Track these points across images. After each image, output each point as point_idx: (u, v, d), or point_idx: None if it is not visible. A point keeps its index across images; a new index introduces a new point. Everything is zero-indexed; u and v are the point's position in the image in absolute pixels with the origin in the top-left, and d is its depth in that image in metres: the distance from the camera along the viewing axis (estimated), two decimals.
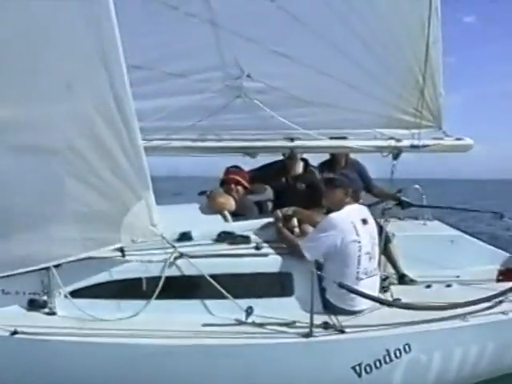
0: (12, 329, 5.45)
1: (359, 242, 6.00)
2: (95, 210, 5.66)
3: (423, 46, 7.10)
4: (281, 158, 7.86)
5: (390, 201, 7.79)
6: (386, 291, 6.51)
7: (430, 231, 8.00)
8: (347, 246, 5.96)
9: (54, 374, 5.57)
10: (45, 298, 5.88)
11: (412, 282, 7.16)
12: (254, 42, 6.85)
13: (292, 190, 7.40)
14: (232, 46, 6.90)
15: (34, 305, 5.89)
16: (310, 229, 6.43)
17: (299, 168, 7.78)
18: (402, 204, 7.80)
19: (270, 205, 7.41)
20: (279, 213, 6.44)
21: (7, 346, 5.49)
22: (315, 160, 8.09)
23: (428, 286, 6.97)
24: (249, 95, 7.01)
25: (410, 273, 7.26)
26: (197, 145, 7.14)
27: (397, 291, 6.54)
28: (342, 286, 5.80)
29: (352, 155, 8.08)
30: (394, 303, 6.08)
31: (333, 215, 6.06)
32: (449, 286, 7.00)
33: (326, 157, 8.29)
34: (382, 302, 6.02)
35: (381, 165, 7.78)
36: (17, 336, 5.44)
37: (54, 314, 5.85)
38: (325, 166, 8.14)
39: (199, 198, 7.21)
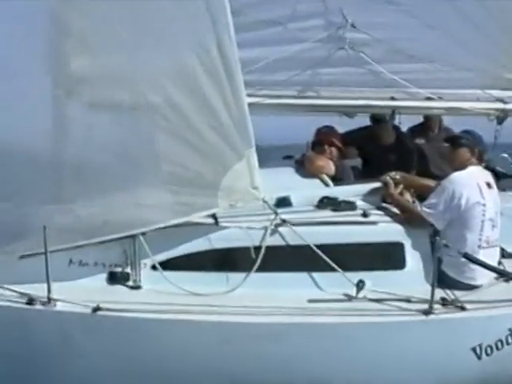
0: (93, 305, 4.93)
1: (484, 205, 5.53)
2: (191, 171, 5.18)
3: None
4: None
5: None
6: (498, 265, 5.93)
7: None
8: (471, 207, 5.49)
9: (140, 355, 5.09)
10: (128, 269, 5.35)
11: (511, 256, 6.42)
12: None
13: (382, 161, 6.76)
14: None
15: (115, 278, 5.38)
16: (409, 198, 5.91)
17: (391, 136, 7.18)
18: (497, 175, 7.07)
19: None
20: (389, 178, 5.81)
21: (89, 324, 4.99)
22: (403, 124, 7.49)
23: None
24: (353, 47, 6.43)
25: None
26: (294, 102, 6.61)
27: (508, 265, 5.96)
28: (467, 257, 5.31)
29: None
30: None
31: (456, 174, 5.62)
32: None
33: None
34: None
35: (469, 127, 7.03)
36: (99, 313, 4.94)
37: (138, 287, 5.35)
38: (415, 131, 7.61)
39: (284, 162, 6.77)
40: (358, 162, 6.75)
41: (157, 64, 4.98)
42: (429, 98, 6.72)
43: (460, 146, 5.80)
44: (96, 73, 5.00)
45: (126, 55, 4.98)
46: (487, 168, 6.95)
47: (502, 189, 7.41)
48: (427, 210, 5.50)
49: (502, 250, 6.27)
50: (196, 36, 4.99)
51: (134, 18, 4.94)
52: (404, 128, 7.56)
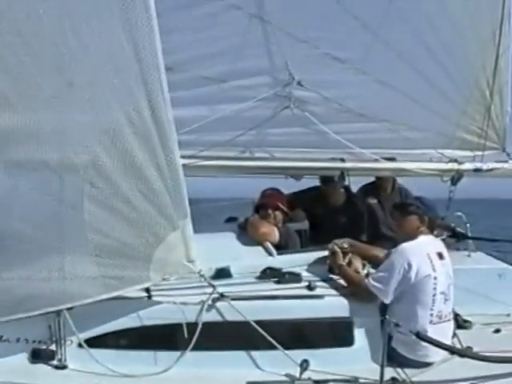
0: None
1: (435, 278, 5.23)
2: (120, 243, 4.73)
3: (493, 57, 6.43)
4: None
5: (443, 232, 6.96)
6: (452, 337, 5.62)
7: (476, 264, 7.09)
8: (422, 281, 5.19)
9: None
10: (53, 347, 4.91)
11: (466, 322, 6.23)
12: (306, 43, 6.06)
13: (331, 224, 6.45)
14: (281, 46, 6.09)
15: (39, 356, 4.92)
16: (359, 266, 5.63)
17: (340, 197, 6.85)
18: (457, 235, 7.09)
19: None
20: (335, 246, 5.51)
21: None
22: (353, 184, 7.20)
23: (497, 331, 6.09)
24: (298, 106, 6.13)
25: (459, 311, 6.27)
26: (237, 164, 6.28)
27: (463, 338, 5.68)
28: (419, 336, 4.95)
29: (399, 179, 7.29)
30: (483, 357, 5.13)
31: (405, 245, 5.30)
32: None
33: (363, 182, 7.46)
34: (469, 356, 5.12)
35: (421, 186, 7.11)
36: None
37: (64, 367, 4.89)
38: (368, 191, 7.31)
39: (226, 225, 6.43)
40: (305, 225, 6.40)
41: (83, 122, 4.59)
42: (377, 160, 6.45)
43: (409, 214, 5.51)
44: (18, 131, 4.58)
45: (51, 112, 4.57)
46: (448, 228, 6.75)
47: (455, 248, 7.27)
48: (375, 284, 5.18)
49: (456, 315, 6.01)
50: (126, 94, 4.58)
51: (59, 73, 4.55)
52: (356, 187, 7.27)
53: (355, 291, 5.31)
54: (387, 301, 5.17)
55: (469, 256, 7.26)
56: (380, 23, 6.15)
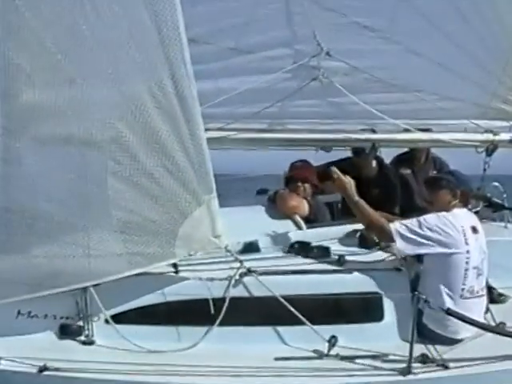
0: (40, 363, 4.52)
1: (468, 251, 5.06)
2: (145, 219, 4.73)
3: None
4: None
5: (478, 202, 6.86)
6: (485, 312, 5.46)
7: None
8: (453, 255, 5.04)
9: None
10: (80, 323, 4.97)
11: (501, 296, 6.05)
12: (334, 11, 5.86)
13: (364, 195, 6.25)
14: (308, 16, 5.91)
15: (66, 331, 4.98)
16: None
17: (372, 169, 6.79)
18: (493, 206, 6.90)
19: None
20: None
21: None
22: (389, 154, 7.13)
23: None
24: (328, 76, 5.98)
25: (493, 284, 6.09)
26: (265, 136, 6.16)
27: (496, 312, 5.51)
28: (449, 313, 4.84)
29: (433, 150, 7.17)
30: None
31: (442, 213, 5.12)
32: None
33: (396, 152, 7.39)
34: (500, 333, 4.99)
35: (460, 158, 7.00)
36: (46, 373, 4.51)
37: (91, 343, 4.95)
38: (401, 162, 7.25)
39: (258, 198, 6.34)
40: (336, 197, 6.29)
41: (105, 98, 4.58)
42: (407, 130, 6.31)
43: (440, 189, 5.37)
44: (41, 108, 4.60)
45: (73, 89, 4.56)
46: (485, 198, 6.61)
47: (491, 219, 7.13)
48: (399, 229, 5.00)
49: (491, 288, 5.85)
50: (148, 69, 4.55)
51: (80, 49, 4.52)
52: (390, 157, 7.18)
53: (368, 224, 5.23)
54: (403, 248, 5.02)
55: (505, 227, 7.08)
56: None
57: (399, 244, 5.01)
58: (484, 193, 6.93)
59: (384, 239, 5.20)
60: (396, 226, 5.03)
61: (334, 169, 5.45)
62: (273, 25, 6.04)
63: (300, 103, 6.17)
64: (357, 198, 5.28)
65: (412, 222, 5.07)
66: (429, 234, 5.01)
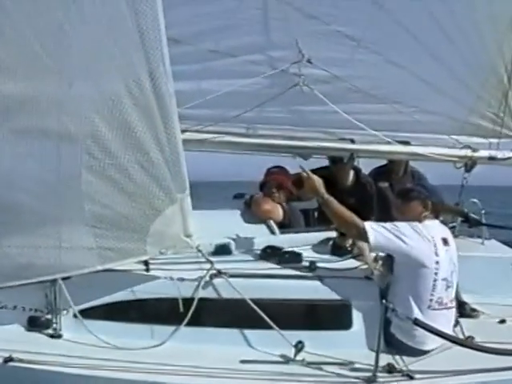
0: (6, 354, 4.52)
1: (437, 262, 5.06)
2: (117, 214, 4.74)
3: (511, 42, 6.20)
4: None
5: (455, 217, 6.98)
6: (455, 325, 5.44)
7: (489, 252, 6.98)
8: (422, 265, 5.02)
9: None
10: (48, 316, 4.95)
11: (473, 311, 6.07)
12: (316, 19, 5.91)
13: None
14: (291, 22, 5.96)
15: (35, 324, 4.98)
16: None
17: (350, 178, 6.79)
18: (470, 221, 6.95)
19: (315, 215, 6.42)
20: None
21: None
22: (365, 167, 7.17)
23: (502, 321, 5.86)
24: (308, 84, 6.00)
25: (466, 299, 6.14)
26: (242, 140, 6.19)
27: (467, 327, 5.48)
28: (417, 323, 4.81)
29: (412, 163, 7.18)
30: (481, 347, 4.95)
31: (413, 223, 5.14)
32: None
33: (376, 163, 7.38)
34: (466, 346, 4.96)
35: (435, 172, 7.14)
36: (11, 364, 4.50)
37: (59, 336, 4.94)
38: (379, 174, 7.24)
39: (234, 203, 6.33)
40: (312, 204, 6.28)
41: (82, 92, 4.59)
42: (389, 143, 6.34)
43: (411, 200, 5.38)
44: (17, 100, 4.64)
45: (49, 81, 4.59)
46: (461, 214, 6.64)
47: (469, 235, 7.17)
48: (371, 224, 5.02)
49: (463, 303, 5.92)
50: (126, 65, 4.57)
51: (58, 41, 4.56)
52: (367, 169, 7.20)
53: (339, 222, 5.19)
54: (373, 240, 5.00)
55: (482, 244, 7.18)
56: (394, 2, 6.00)
57: (372, 238, 4.99)
58: (461, 208, 6.95)
59: (356, 235, 5.17)
60: (369, 223, 5.05)
61: (304, 168, 5.46)
62: (253, 30, 6.09)
63: (279, 109, 6.22)
64: (327, 195, 5.23)
65: (385, 223, 5.10)
66: (400, 233, 5.02)
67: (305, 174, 5.34)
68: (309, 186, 5.31)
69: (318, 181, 5.27)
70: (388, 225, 5.07)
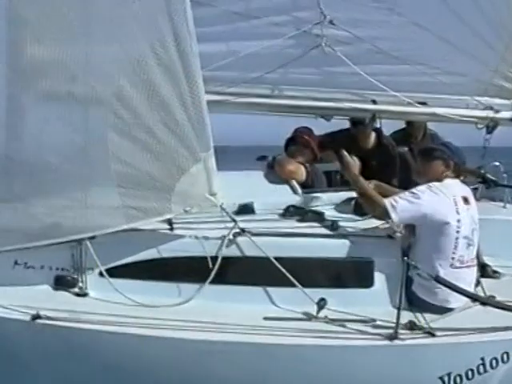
0: (34, 312, 4.63)
1: (458, 221, 5.08)
2: (142, 173, 4.81)
3: None
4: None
5: (474, 179, 6.83)
6: (476, 285, 5.49)
7: (510, 215, 6.81)
8: (444, 223, 5.05)
9: (81, 367, 4.74)
10: (75, 275, 5.04)
11: (495, 273, 6.08)
12: None
13: (362, 166, 6.28)
14: None
15: (61, 283, 5.08)
16: None
17: (371, 141, 6.77)
18: (487, 182, 6.85)
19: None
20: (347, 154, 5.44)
21: (27, 332, 4.67)
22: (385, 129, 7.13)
23: None
24: (330, 45, 5.94)
25: (489, 262, 6.13)
26: (264, 101, 6.17)
27: (488, 286, 5.52)
28: (438, 280, 4.87)
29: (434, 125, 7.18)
30: (503, 305, 5.02)
31: (434, 183, 5.17)
32: None
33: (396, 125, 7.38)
34: (488, 304, 5.05)
35: (458, 134, 6.92)
36: (39, 321, 4.61)
37: (85, 295, 5.05)
38: (397, 139, 7.16)
39: (257, 164, 6.34)
40: (334, 166, 6.25)
41: (107, 54, 4.67)
42: (409, 104, 6.30)
43: (433, 159, 5.39)
44: (46, 63, 4.70)
45: (76, 44, 4.66)
46: (478, 175, 6.61)
47: (490, 198, 7.13)
48: (390, 201, 5.04)
49: (485, 265, 5.91)
50: (150, 26, 4.63)
51: (85, 6, 4.63)
52: (387, 129, 7.21)
53: (366, 201, 5.24)
54: (397, 219, 5.04)
55: (504, 207, 7.06)
56: None
57: (394, 216, 5.03)
58: (479, 169, 6.92)
59: (381, 215, 5.18)
60: (389, 201, 5.06)
61: (344, 153, 5.48)
62: None
63: (301, 70, 6.14)
64: (357, 175, 5.38)
65: (404, 194, 5.12)
66: (422, 200, 5.04)
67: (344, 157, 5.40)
68: (346, 167, 5.39)
69: (354, 162, 5.41)
70: (408, 195, 5.09)
